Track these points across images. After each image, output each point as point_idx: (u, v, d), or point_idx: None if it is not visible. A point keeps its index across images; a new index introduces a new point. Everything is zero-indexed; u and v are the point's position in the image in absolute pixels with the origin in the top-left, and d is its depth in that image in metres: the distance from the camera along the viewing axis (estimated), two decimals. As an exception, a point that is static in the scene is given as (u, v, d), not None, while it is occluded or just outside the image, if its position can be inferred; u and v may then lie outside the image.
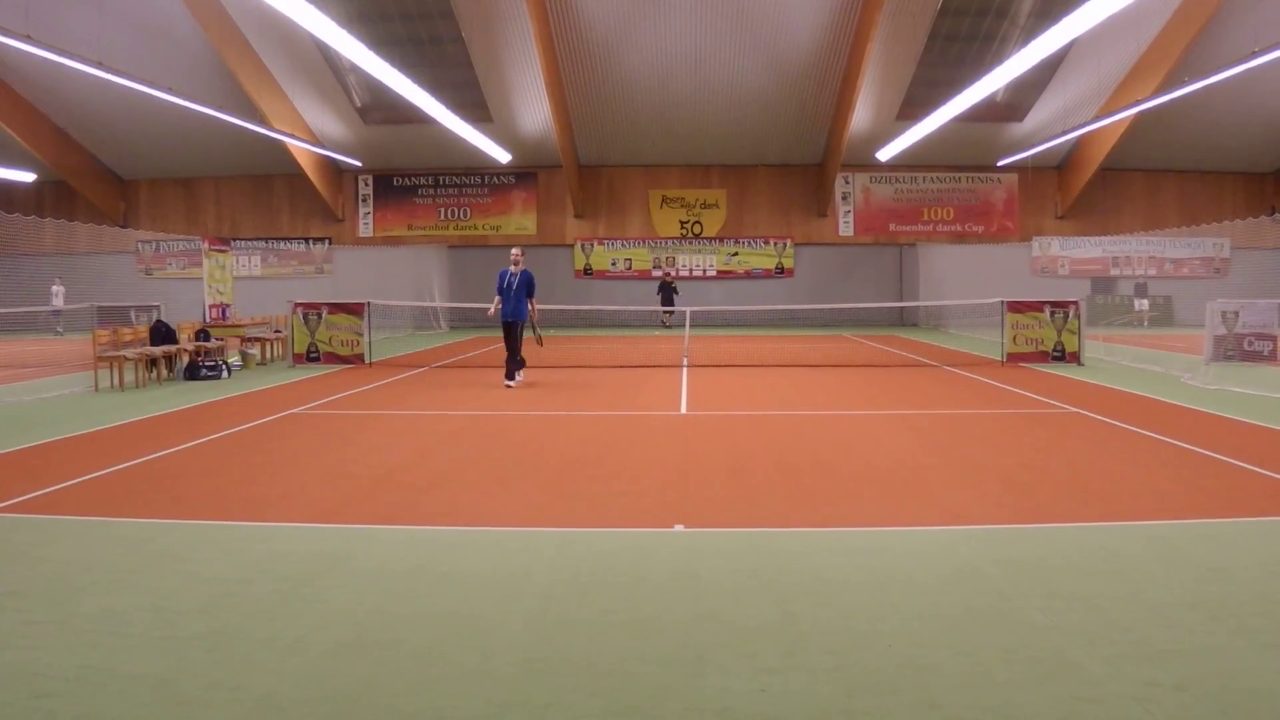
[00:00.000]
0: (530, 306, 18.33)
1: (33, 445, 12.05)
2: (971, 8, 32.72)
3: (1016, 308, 22.61)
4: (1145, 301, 39.17)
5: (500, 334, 18.75)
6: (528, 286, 18.22)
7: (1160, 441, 11.82)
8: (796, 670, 5.02)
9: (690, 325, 25.15)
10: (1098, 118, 32.63)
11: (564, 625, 5.73)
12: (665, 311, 38.32)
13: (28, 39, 20.23)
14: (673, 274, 40.90)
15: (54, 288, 37.55)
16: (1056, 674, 4.94)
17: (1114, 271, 41.94)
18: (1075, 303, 22.46)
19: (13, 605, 6.09)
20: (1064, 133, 33.56)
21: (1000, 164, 39.53)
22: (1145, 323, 38.23)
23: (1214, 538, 7.52)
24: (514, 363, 18.28)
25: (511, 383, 18.09)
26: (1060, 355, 22.05)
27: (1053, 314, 22.32)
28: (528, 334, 18.55)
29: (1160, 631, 5.51)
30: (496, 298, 18.33)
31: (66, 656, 5.25)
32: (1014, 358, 22.20)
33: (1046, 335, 22.24)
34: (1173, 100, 27.13)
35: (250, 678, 4.96)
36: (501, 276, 18.32)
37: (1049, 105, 37.25)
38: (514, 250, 18.58)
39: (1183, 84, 24.77)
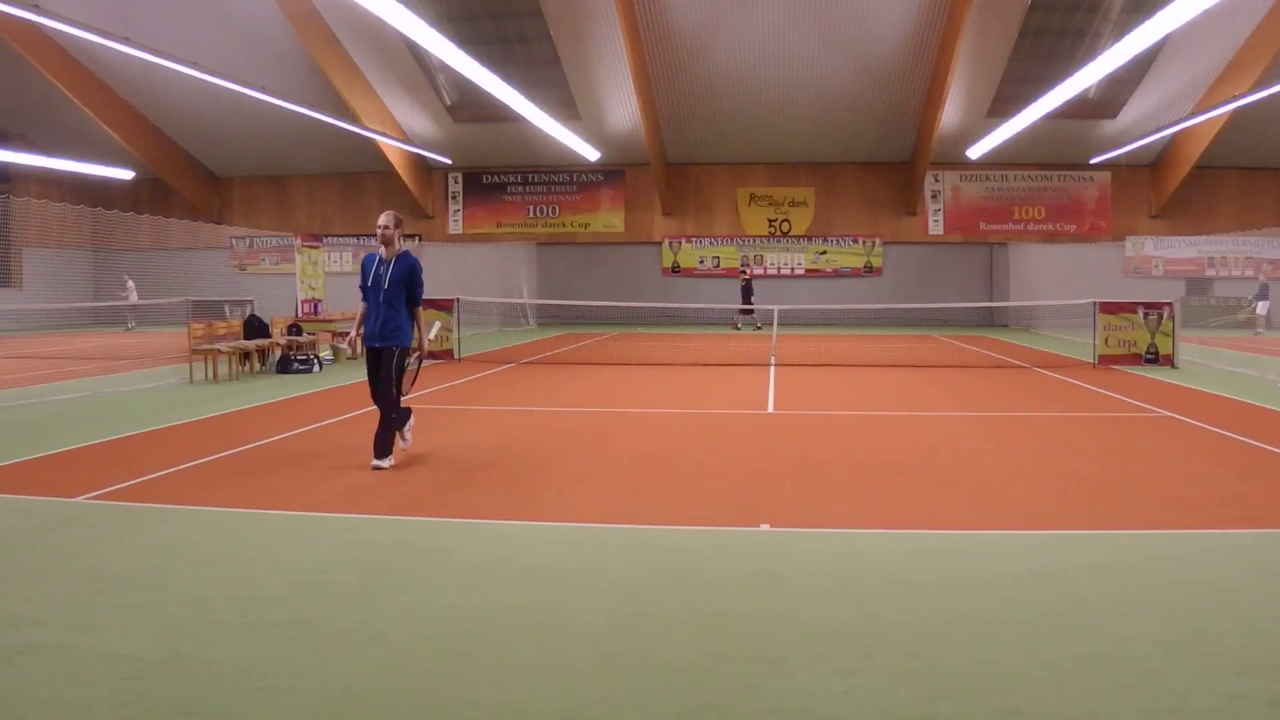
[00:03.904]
0: (415, 320, 10.88)
1: (130, 435, 12.31)
2: (1063, 3, 32.19)
3: (1109, 309, 22.21)
4: (1267, 304, 36.38)
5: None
6: (408, 283, 10.66)
7: (1253, 447, 11.56)
8: (877, 673, 4.98)
9: (777, 324, 25.05)
10: (1193, 114, 31.93)
11: (643, 622, 5.74)
12: (741, 311, 37.60)
13: (126, 41, 20.66)
14: (749, 272, 40.44)
15: (127, 283, 38.27)
16: (1140, 684, 4.85)
17: (1209, 272, 41.10)
18: (1169, 304, 22.07)
19: (106, 590, 6.23)
20: (1158, 130, 32.92)
21: (1093, 162, 38.89)
22: (1263, 327, 35.89)
23: (1307, 546, 7.34)
24: (388, 421, 10.51)
25: (383, 463, 10.27)
26: (1153, 358, 21.67)
27: (1146, 315, 21.96)
28: (410, 364, 11.10)
29: (1249, 644, 5.37)
30: (362, 306, 10.78)
31: (156, 641, 5.36)
32: (1105, 360, 21.86)
33: (1139, 337, 21.87)
34: (1271, 96, 26.56)
35: (331, 667, 5.04)
36: (365, 267, 10.77)
37: (1143, 102, 36.59)
38: (382, 219, 10.56)
39: (1282, 79, 24.26)
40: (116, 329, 38.38)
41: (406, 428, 10.92)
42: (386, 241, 10.61)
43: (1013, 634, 5.52)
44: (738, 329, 38.29)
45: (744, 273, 39.86)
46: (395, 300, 10.56)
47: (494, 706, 4.61)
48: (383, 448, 10.35)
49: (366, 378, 10.81)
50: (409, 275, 10.62)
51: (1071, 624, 5.68)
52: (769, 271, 42.88)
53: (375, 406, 10.69)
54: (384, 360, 10.51)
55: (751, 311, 37.21)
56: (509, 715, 4.53)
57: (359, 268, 10.81)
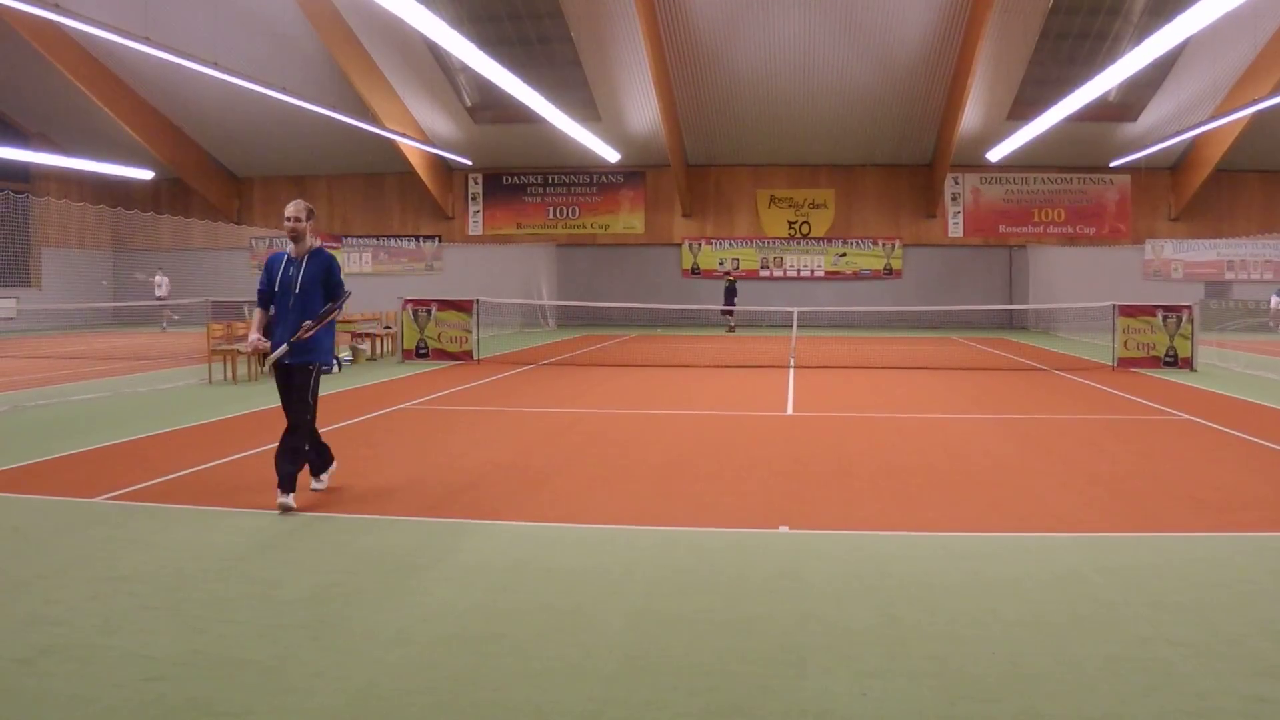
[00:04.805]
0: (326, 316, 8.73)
1: (148, 435, 12.33)
2: (1084, 6, 32.06)
3: (1128, 311, 22.11)
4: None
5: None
6: (325, 284, 8.76)
7: (1273, 450, 11.49)
8: (898, 675, 4.96)
9: (797, 326, 25.02)
10: (1213, 117, 31.80)
11: (665, 623, 5.72)
12: (723, 312, 37.49)
13: (147, 41, 20.72)
14: (733, 274, 40.07)
15: (156, 278, 38.30)
16: (1162, 686, 4.82)
17: (1229, 275, 40.93)
18: (1189, 307, 21.95)
19: (126, 590, 6.23)
20: (1178, 133, 32.79)
21: (1113, 165, 38.70)
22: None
23: (1334, 550, 7.29)
24: (296, 452, 8.62)
25: (288, 499, 8.37)
26: (1173, 360, 21.56)
27: (1165, 318, 21.86)
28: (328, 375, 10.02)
29: (1271, 646, 5.33)
30: (257, 312, 8.87)
31: (176, 641, 5.36)
32: (1125, 362, 21.75)
33: (1159, 340, 21.76)
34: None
35: (353, 667, 5.03)
36: (269, 269, 8.78)
37: (1163, 105, 36.43)
38: (290, 209, 8.75)
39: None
40: (150, 329, 38.41)
41: (326, 473, 9.20)
42: (296, 236, 8.69)
43: (1034, 636, 5.50)
44: (732, 330, 38.44)
45: (728, 274, 39.65)
46: (310, 306, 8.58)
47: (517, 707, 4.60)
48: (286, 479, 8.43)
49: (280, 400, 8.81)
50: (326, 275, 8.73)
51: (1093, 626, 5.66)
52: (789, 274, 42.82)
53: (286, 434, 8.67)
54: (296, 379, 8.62)
55: (731, 313, 37.12)
56: (532, 716, 4.51)
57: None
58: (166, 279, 38.40)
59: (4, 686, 4.78)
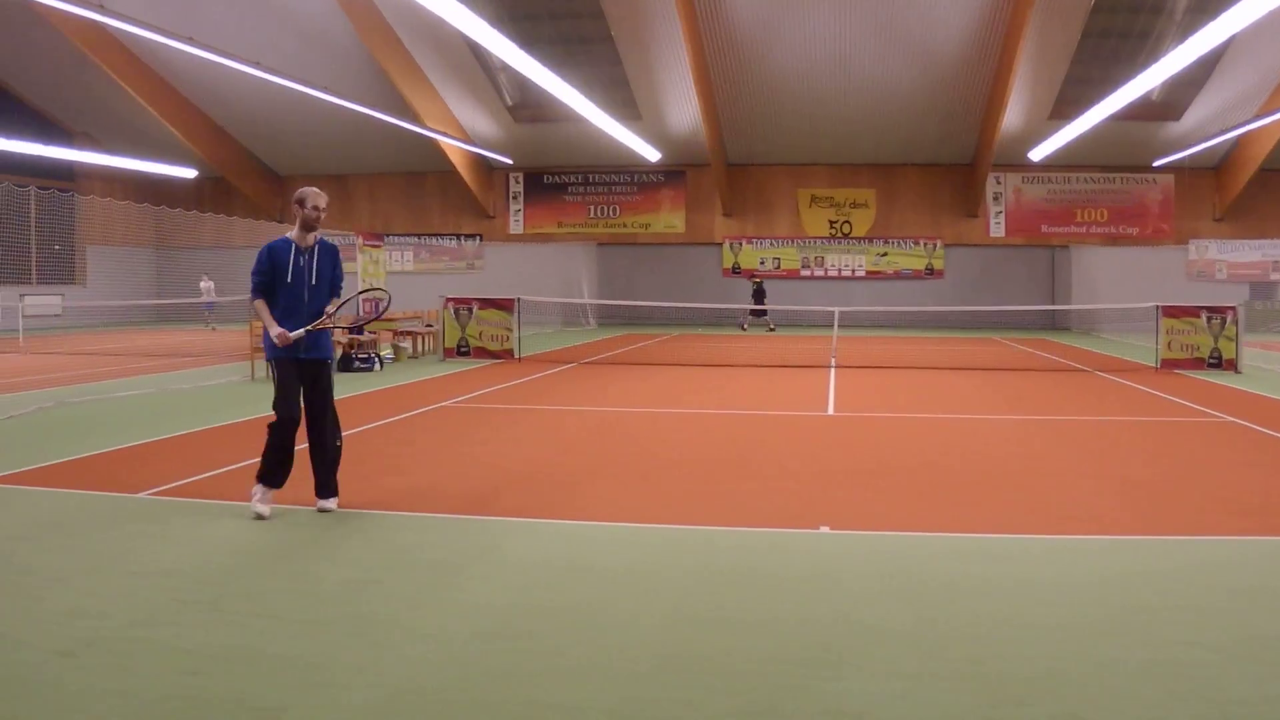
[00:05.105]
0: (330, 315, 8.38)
1: (190, 432, 12.42)
2: (1126, 4, 31.76)
3: (1171, 312, 21.89)
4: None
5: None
6: (332, 279, 8.49)
7: (1325, 452, 11.39)
8: (935, 677, 4.93)
9: (838, 326, 24.94)
10: (1258, 116, 31.50)
11: (701, 623, 5.70)
12: (752, 313, 37.47)
13: (190, 40, 20.87)
14: (759, 275, 40.05)
15: (203, 284, 38.52)
16: (1199, 690, 4.76)
17: (1274, 276, 40.52)
18: (1233, 308, 21.73)
19: (166, 584, 6.27)
20: (1222, 132, 32.50)
21: (1156, 164, 38.44)
22: None
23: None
24: (336, 451, 8.48)
25: (329, 504, 8.29)
26: (1217, 362, 21.34)
27: (1209, 319, 21.65)
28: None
29: (1316, 651, 5.27)
30: (262, 304, 8.23)
31: (216, 636, 5.38)
32: (1168, 364, 21.55)
33: (1202, 341, 21.55)
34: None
35: (391, 664, 5.03)
36: (274, 259, 8.20)
37: (1207, 104, 36.07)
38: (319, 198, 8.28)
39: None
40: (195, 326, 38.73)
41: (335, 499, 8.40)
42: (311, 222, 8.24)
43: (1071, 639, 5.45)
44: (744, 329, 38.49)
45: (754, 276, 39.49)
46: (324, 298, 8.35)
47: (552, 705, 4.59)
48: (328, 485, 8.37)
49: (276, 406, 8.25)
50: (335, 266, 8.47)
51: (1130, 630, 5.61)
52: (829, 273, 42.71)
53: (308, 437, 8.37)
54: (322, 376, 8.38)
55: (764, 313, 37.04)
56: (567, 714, 4.50)
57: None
58: (212, 284, 38.63)
59: (46, 679, 4.81)
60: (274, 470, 8.17)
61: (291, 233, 8.24)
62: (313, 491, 8.30)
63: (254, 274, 8.20)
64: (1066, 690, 4.77)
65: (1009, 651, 5.26)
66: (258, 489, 8.11)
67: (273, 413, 8.20)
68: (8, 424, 13.08)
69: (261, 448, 8.11)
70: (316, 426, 8.32)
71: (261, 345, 8.13)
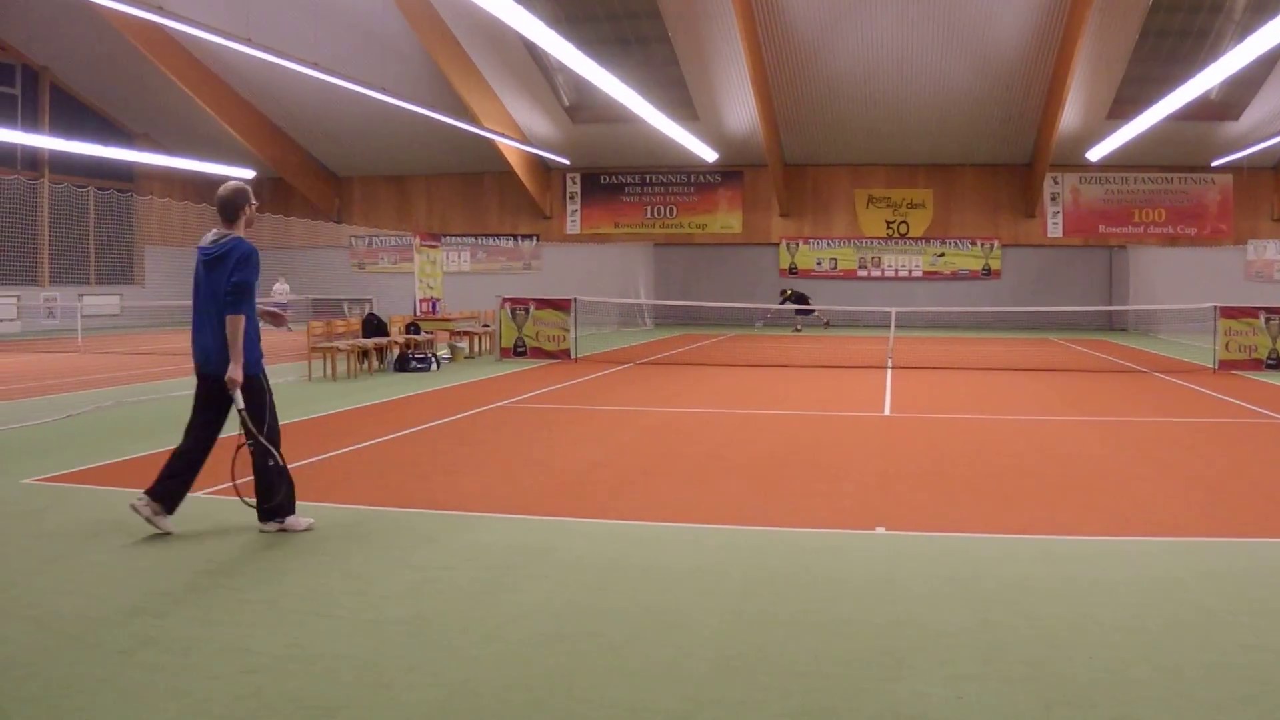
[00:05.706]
0: (232, 331, 7.49)
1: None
2: (1185, 3, 31.33)
3: (1230, 313, 21.60)
4: None
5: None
6: (232, 282, 7.46)
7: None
8: (993, 679, 4.87)
9: (895, 326, 24.80)
10: (1319, 116, 31.13)
11: (760, 624, 5.66)
12: (798, 313, 37.82)
13: (249, 42, 21.02)
14: (788, 291, 39.38)
15: (277, 286, 38.68)
16: (1262, 695, 4.67)
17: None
18: (1291, 309, 21.48)
19: (226, 583, 6.30)
20: (1280, 132, 32.13)
21: (1214, 164, 37.96)
22: None
23: None
24: (273, 486, 7.73)
25: (306, 520, 7.76)
26: (1275, 363, 21.01)
27: (1268, 320, 21.35)
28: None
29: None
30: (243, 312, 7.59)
31: (274, 634, 5.40)
32: (1226, 365, 21.25)
33: (1261, 342, 21.25)
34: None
35: (449, 664, 5.03)
36: (257, 263, 7.66)
37: (1266, 103, 35.51)
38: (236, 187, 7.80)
39: None
40: (271, 327, 38.91)
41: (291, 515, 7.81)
42: (243, 218, 7.81)
43: (1131, 641, 5.38)
44: (827, 325, 38.68)
45: (784, 293, 39.13)
46: (212, 302, 7.66)
47: (611, 706, 4.57)
48: (269, 508, 7.72)
49: (274, 431, 8.05)
50: (241, 268, 7.54)
51: (1191, 632, 5.53)
52: (886, 274, 42.49)
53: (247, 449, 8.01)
54: (253, 394, 8.00)
55: (811, 311, 37.23)
56: (626, 714, 4.48)
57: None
58: (287, 285, 38.87)
59: (106, 677, 4.83)
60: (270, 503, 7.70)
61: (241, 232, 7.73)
62: (368, 494, 8.31)
63: (253, 279, 7.59)
64: (1126, 693, 4.72)
65: (1069, 654, 5.20)
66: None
67: (270, 440, 7.91)
68: (67, 423, 13.23)
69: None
70: (265, 452, 7.88)
71: (253, 359, 7.82)
